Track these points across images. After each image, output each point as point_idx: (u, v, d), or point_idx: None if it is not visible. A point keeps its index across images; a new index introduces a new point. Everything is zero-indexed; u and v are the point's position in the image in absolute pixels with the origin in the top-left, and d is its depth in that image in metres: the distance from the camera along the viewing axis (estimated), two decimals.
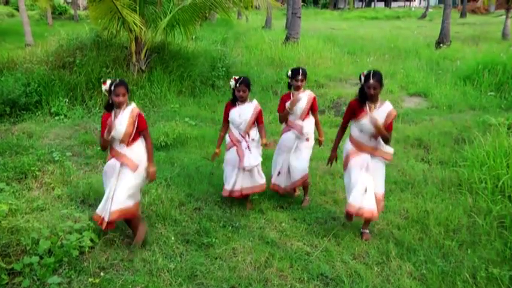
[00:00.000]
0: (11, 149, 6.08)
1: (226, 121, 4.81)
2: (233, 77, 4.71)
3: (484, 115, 7.94)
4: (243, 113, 4.64)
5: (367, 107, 4.10)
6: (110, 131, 3.75)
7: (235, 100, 4.69)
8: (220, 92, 9.91)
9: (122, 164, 3.87)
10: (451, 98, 9.61)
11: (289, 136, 4.94)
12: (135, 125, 3.86)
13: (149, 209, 4.75)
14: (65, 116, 7.80)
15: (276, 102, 9.12)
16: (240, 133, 4.69)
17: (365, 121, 4.07)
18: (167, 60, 9.52)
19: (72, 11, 33.83)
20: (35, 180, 5.29)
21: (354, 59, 14.00)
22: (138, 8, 8.78)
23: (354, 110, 4.18)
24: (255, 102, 4.74)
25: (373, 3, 57.65)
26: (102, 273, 3.67)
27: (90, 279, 3.55)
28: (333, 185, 5.55)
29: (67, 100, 8.13)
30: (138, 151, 3.94)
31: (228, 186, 4.75)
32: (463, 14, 36.16)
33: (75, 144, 6.56)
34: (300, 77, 4.82)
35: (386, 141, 4.11)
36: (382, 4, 58.95)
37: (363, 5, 58.42)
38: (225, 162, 4.86)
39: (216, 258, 3.95)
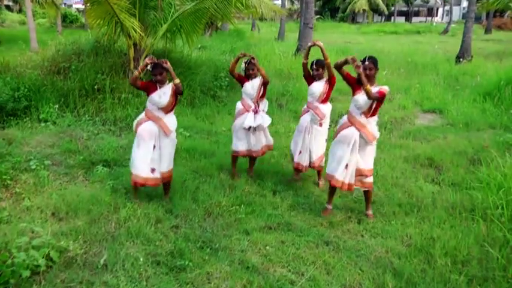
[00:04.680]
0: None
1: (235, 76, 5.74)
2: (243, 62, 5.65)
3: (505, 134, 7.32)
4: (254, 85, 5.57)
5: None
6: (142, 68, 4.61)
7: (248, 77, 5.60)
8: (221, 103, 9.47)
9: (159, 128, 4.68)
10: (469, 115, 8.95)
11: (305, 118, 5.53)
12: (175, 95, 4.73)
13: (122, 225, 4.31)
14: (54, 123, 7.43)
15: (281, 116, 8.79)
16: (252, 101, 5.57)
17: (358, 97, 4.53)
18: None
19: (83, 20, 34.18)
20: (5, 190, 4.92)
21: None
22: (137, 13, 8.47)
23: (352, 84, 4.61)
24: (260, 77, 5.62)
25: (393, 18, 57.05)
26: None
27: None
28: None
29: (57, 107, 7.78)
30: (172, 120, 4.81)
31: (237, 148, 5.68)
32: (488, 30, 35.09)
33: (57, 152, 6.15)
34: (314, 66, 5.39)
35: (368, 93, 4.37)
36: (402, 19, 58.34)
37: (383, 20, 57.86)
38: (236, 127, 5.67)
39: (187, 284, 3.52)
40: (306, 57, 5.48)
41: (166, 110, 4.71)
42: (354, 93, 4.64)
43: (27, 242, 3.63)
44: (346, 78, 4.66)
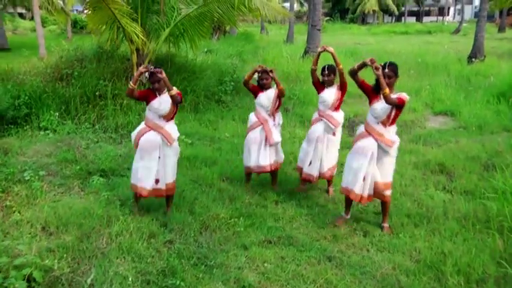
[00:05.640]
0: None
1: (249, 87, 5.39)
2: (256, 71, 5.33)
3: None
4: (270, 96, 5.26)
5: (381, 95, 4.21)
6: (136, 78, 4.41)
7: (261, 87, 5.30)
8: (226, 108, 9.24)
9: (162, 138, 4.44)
10: (482, 117, 8.60)
11: (317, 127, 5.22)
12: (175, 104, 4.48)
13: (113, 241, 4.09)
14: (54, 131, 7.25)
15: (287, 121, 8.51)
16: (267, 113, 5.27)
17: (376, 106, 4.29)
18: (171, 73, 8.94)
19: None
20: None
21: None
22: (139, 17, 8.31)
23: (369, 92, 4.40)
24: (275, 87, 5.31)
25: (403, 18, 56.42)
26: None
27: None
28: (335, 217, 4.76)
29: (58, 114, 7.62)
30: (174, 128, 4.57)
31: (249, 163, 5.33)
32: (501, 28, 34.37)
33: (53, 162, 5.96)
34: (326, 72, 5.09)
35: (387, 98, 4.11)
36: (413, 19, 57.61)
37: (393, 20, 57.27)
38: (249, 141, 5.33)
39: None
40: (315, 63, 5.19)
41: (168, 117, 4.50)
42: (370, 102, 4.40)
43: (8, 262, 3.43)
44: (362, 86, 4.42)
